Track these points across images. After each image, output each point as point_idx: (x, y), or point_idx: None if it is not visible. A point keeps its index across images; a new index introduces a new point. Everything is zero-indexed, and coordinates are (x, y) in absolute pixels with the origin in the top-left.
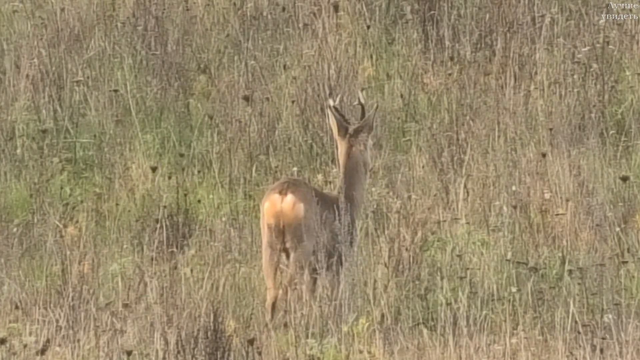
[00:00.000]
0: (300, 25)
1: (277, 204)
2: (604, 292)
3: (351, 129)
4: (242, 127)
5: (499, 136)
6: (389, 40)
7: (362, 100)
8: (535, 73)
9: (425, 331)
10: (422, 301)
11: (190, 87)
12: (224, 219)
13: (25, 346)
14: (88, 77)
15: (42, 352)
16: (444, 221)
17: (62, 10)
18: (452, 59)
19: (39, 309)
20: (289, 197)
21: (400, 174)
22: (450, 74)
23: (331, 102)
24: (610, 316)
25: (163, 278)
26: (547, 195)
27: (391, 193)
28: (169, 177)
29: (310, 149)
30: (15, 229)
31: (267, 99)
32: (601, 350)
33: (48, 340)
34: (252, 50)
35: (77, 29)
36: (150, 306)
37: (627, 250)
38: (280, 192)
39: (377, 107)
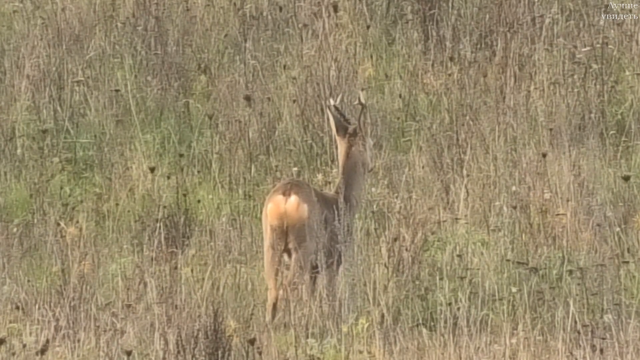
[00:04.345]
0: (300, 25)
1: (281, 205)
2: (604, 292)
3: (350, 128)
4: (242, 127)
5: (499, 136)
6: (389, 40)
7: (363, 100)
8: (535, 73)
9: (425, 331)
10: (422, 301)
11: (190, 87)
12: (224, 219)
13: (25, 346)
14: (88, 77)
15: (42, 352)
16: (444, 221)
17: (63, 10)
18: (452, 59)
19: (39, 309)
20: (293, 198)
21: (401, 174)
22: (450, 74)
23: (332, 102)
24: (610, 316)
25: (163, 278)
26: (547, 196)
27: (391, 193)
28: (169, 177)
29: (310, 149)
30: (15, 229)
31: (268, 99)
32: (601, 350)
33: (48, 340)
34: (252, 50)
35: (77, 29)
36: (150, 306)
37: (627, 250)
38: (283, 193)
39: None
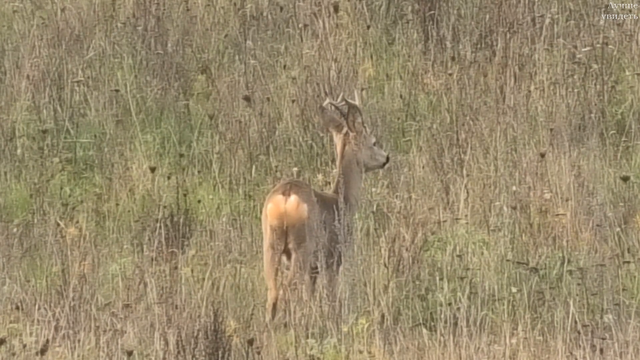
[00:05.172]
0: (301, 25)
1: (281, 205)
2: (604, 292)
3: (344, 128)
4: (242, 127)
5: (499, 136)
6: (389, 40)
7: (356, 101)
8: (535, 73)
9: (425, 331)
10: (422, 301)
11: (190, 87)
12: (224, 219)
13: (25, 346)
14: (88, 77)
15: (42, 352)
16: (445, 221)
17: (63, 10)
18: (452, 59)
19: (39, 309)
20: (293, 198)
21: (400, 174)
22: (450, 74)
23: (327, 100)
24: (610, 316)
25: (163, 278)
26: (547, 196)
27: (391, 193)
28: (169, 177)
29: (310, 149)
30: (15, 229)
31: (268, 99)
32: (601, 350)
33: (48, 340)
34: (252, 50)
35: (77, 29)
36: (150, 306)
37: (627, 250)
38: (283, 193)
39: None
